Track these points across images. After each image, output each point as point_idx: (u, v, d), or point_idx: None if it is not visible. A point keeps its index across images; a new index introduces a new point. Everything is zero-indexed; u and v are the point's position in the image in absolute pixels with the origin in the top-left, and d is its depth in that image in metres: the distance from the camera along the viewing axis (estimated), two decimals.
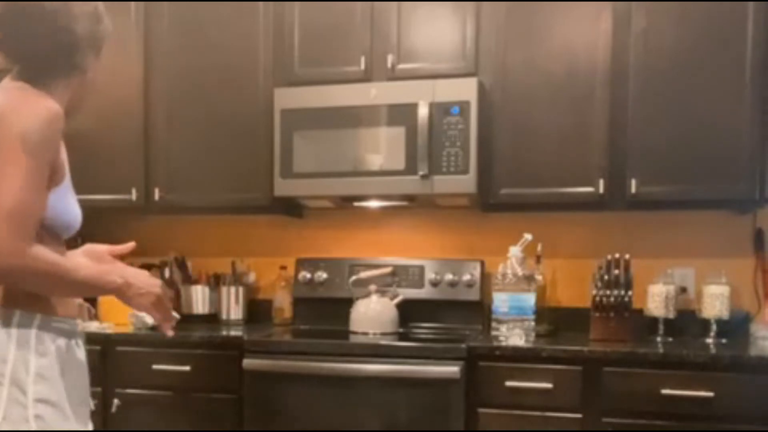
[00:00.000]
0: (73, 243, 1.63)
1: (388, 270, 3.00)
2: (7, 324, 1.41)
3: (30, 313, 1.43)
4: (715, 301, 2.67)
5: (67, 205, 1.49)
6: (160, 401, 2.71)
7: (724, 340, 2.63)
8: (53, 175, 1.42)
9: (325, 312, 3.08)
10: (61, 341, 1.47)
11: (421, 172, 2.67)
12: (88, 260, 1.61)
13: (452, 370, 2.43)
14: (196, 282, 3.22)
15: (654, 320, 2.72)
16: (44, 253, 1.36)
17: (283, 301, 3.18)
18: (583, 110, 2.65)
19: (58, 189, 1.45)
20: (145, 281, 1.51)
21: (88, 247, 1.68)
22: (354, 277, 2.99)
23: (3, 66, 1.49)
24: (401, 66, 2.80)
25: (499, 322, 2.71)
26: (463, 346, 2.47)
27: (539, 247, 2.85)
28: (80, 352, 1.56)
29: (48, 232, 1.45)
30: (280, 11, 2.90)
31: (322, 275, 3.11)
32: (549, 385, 2.39)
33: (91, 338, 2.77)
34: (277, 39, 2.90)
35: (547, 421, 2.39)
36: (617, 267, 2.62)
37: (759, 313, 2.79)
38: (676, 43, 2.57)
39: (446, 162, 2.66)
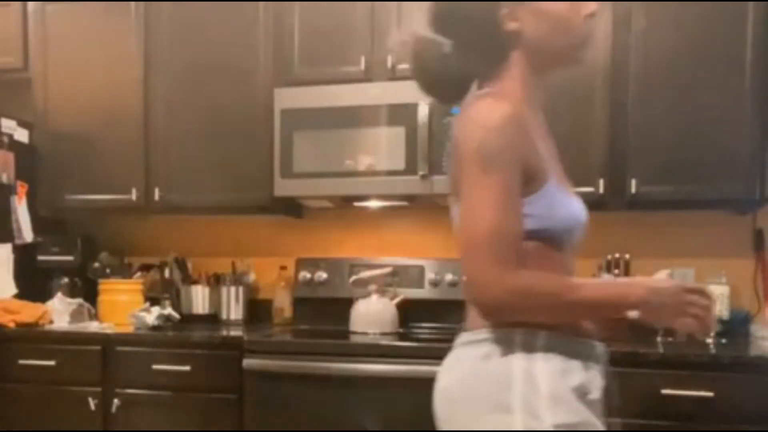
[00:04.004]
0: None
1: (388, 270, 2.99)
2: (508, 345, 1.25)
3: (533, 332, 1.25)
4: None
5: (556, 209, 1.29)
6: (160, 401, 2.71)
7: (724, 340, 2.63)
8: (529, 182, 1.24)
9: (325, 312, 3.08)
10: (575, 363, 1.26)
11: (421, 172, 2.66)
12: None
13: None
14: (196, 282, 3.22)
15: None
16: (531, 277, 1.21)
17: (283, 301, 3.18)
18: (583, 110, 2.65)
19: (540, 194, 1.26)
20: (672, 290, 1.21)
21: None
22: (354, 277, 2.99)
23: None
24: (401, 66, 2.79)
25: None
26: None
27: None
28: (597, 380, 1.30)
29: (539, 248, 1.27)
30: (280, 11, 2.90)
31: (322, 275, 3.11)
32: None
33: (91, 338, 2.80)
34: (277, 39, 2.90)
35: None
36: (617, 267, 2.62)
37: (759, 313, 2.80)
38: (676, 43, 2.57)
39: (446, 162, 2.66)
